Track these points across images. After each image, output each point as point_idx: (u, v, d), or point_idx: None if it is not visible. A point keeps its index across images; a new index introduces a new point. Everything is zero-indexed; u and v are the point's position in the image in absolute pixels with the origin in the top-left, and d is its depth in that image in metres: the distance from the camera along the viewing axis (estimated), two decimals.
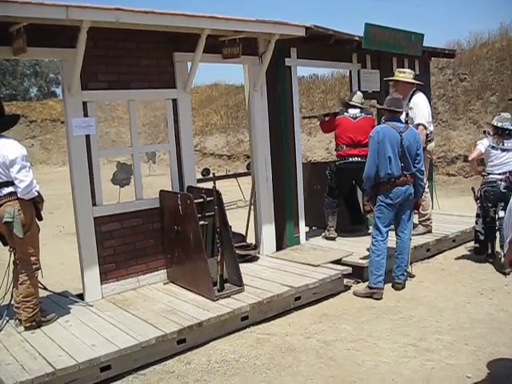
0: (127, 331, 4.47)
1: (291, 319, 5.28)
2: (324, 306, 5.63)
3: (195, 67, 5.67)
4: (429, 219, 7.54)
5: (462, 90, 14.91)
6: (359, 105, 7.25)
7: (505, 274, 6.35)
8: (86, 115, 5.16)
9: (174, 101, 5.78)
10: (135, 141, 5.62)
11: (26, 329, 4.60)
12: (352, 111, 7.23)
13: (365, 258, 6.33)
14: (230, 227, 5.44)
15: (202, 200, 5.41)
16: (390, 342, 4.67)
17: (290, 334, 4.91)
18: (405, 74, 7.24)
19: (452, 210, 9.46)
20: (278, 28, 5.86)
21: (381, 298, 5.69)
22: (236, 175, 13.64)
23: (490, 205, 6.58)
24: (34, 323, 4.63)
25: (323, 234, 7.55)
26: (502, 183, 6.49)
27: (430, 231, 7.52)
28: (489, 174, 6.65)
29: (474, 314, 5.21)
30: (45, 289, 5.15)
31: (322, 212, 7.57)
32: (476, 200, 6.82)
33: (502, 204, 6.35)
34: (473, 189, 7.12)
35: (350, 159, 7.09)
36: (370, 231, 7.65)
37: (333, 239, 7.36)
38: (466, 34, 23.76)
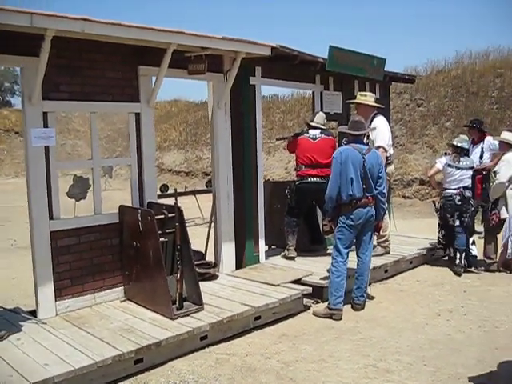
0: (82, 350, 4.31)
1: (251, 339, 5.21)
2: (284, 325, 5.59)
3: (160, 82, 5.60)
4: (387, 240, 7.63)
5: (419, 115, 15.29)
6: (320, 126, 7.31)
7: (459, 274, 7.37)
8: (45, 126, 5.02)
9: (137, 115, 5.69)
10: (96, 154, 5.50)
11: None
12: (312, 132, 7.28)
13: (324, 278, 6.33)
14: (190, 245, 5.35)
15: (163, 216, 5.31)
16: (350, 362, 4.66)
17: (250, 354, 4.84)
18: (366, 97, 7.36)
19: (408, 231, 9.63)
20: (245, 46, 5.86)
21: (340, 319, 5.69)
22: (196, 192, 13.51)
23: (448, 215, 7.52)
24: None
25: (282, 254, 7.53)
26: (457, 197, 7.43)
27: (388, 252, 7.61)
28: (446, 189, 7.57)
29: (432, 334, 5.26)
30: None
31: (281, 231, 7.56)
32: (436, 212, 7.84)
33: (458, 213, 7.43)
34: (433, 202, 8.29)
35: (309, 179, 7.12)
36: (329, 251, 7.69)
37: (292, 259, 7.34)
38: (424, 61, 24.41)
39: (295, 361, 4.70)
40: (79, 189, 11.41)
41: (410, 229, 10.13)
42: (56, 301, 5.19)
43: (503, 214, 7.10)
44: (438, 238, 7.85)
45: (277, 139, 11.41)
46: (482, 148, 8.97)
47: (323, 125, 7.35)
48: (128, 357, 4.30)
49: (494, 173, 7.35)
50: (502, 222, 7.06)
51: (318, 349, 4.96)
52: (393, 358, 4.75)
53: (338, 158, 5.68)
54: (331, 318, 5.70)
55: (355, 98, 7.52)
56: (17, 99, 41.67)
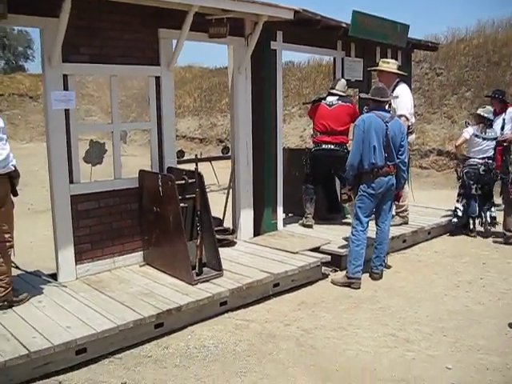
0: (103, 313, 4.33)
1: (270, 306, 5.21)
2: (302, 293, 5.58)
3: (181, 45, 5.50)
4: (406, 210, 7.56)
5: (438, 85, 14.99)
6: (339, 92, 7.19)
7: (474, 236, 7.75)
8: (65, 89, 4.96)
9: (157, 78, 5.60)
10: (115, 118, 5.44)
11: None
12: (329, 98, 7.17)
13: (343, 246, 6.30)
14: (210, 211, 5.33)
15: (183, 182, 5.27)
16: (369, 331, 4.65)
17: (270, 320, 4.85)
18: (389, 65, 7.19)
19: (426, 202, 9.51)
20: (267, 9, 5.73)
21: (359, 288, 5.67)
22: (213, 158, 13.40)
23: (471, 182, 7.62)
24: (5, 303, 4.44)
25: (300, 221, 7.49)
26: (482, 167, 7.55)
27: (406, 222, 7.54)
28: (470, 157, 7.65)
29: (451, 305, 5.23)
30: (17, 268, 4.97)
31: (298, 199, 7.51)
32: (458, 179, 7.94)
33: (479, 186, 7.62)
34: (456, 170, 8.30)
35: (323, 146, 7.05)
36: (346, 220, 7.67)
37: (310, 227, 7.30)
38: (444, 29, 23.93)
39: (314, 328, 4.70)
40: (95, 153, 11.46)
41: (428, 199, 10.01)
42: (76, 264, 5.21)
43: None
44: (456, 208, 7.83)
45: (303, 103, 11.27)
46: (504, 119, 8.78)
47: (343, 92, 7.22)
48: (149, 321, 4.32)
49: None
50: None
51: (336, 317, 4.95)
52: (412, 327, 4.73)
53: (360, 125, 5.58)
54: (349, 286, 5.68)
55: (377, 65, 7.36)
56: (30, 64, 41.61)
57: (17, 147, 23.27)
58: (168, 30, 5.54)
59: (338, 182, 7.74)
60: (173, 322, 4.53)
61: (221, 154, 13.58)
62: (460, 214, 7.76)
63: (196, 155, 5.92)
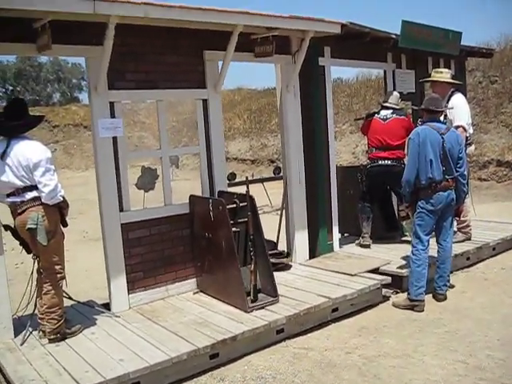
0: (157, 345, 4.20)
1: (329, 332, 4.97)
2: (363, 317, 5.31)
3: (226, 66, 5.41)
4: (468, 226, 7.18)
5: (493, 93, 14.45)
6: (393, 105, 6.94)
7: None
8: (112, 116, 4.92)
9: (205, 101, 5.52)
10: (164, 143, 5.36)
11: (50, 341, 4.35)
12: (383, 112, 6.93)
13: (403, 266, 6.00)
14: (263, 234, 5.15)
15: (234, 205, 5.13)
16: (437, 358, 4.34)
17: (329, 348, 4.60)
18: (442, 74, 6.90)
19: (488, 216, 9.04)
20: (313, 25, 5.58)
21: (422, 311, 5.35)
22: (265, 180, 13.24)
23: None
24: (58, 335, 4.38)
25: (357, 242, 7.22)
26: None
27: (469, 238, 7.15)
28: None
29: None
30: (70, 298, 4.92)
31: (354, 218, 7.26)
32: None
33: None
34: None
35: (380, 162, 6.80)
36: (404, 238, 7.34)
37: (367, 247, 7.03)
38: (496, 35, 23.19)
39: (377, 356, 4.42)
40: (148, 180, 11.57)
41: (489, 213, 9.54)
42: (129, 294, 5.13)
43: None
44: None
45: (355, 120, 11.06)
46: None
47: (397, 105, 6.96)
48: (203, 352, 4.15)
49: None
50: None
51: (400, 343, 4.66)
52: (483, 353, 4.39)
53: (415, 138, 5.31)
54: (412, 309, 5.37)
55: (430, 75, 7.08)
56: (84, 95, 42.97)
57: (73, 176, 23.90)
58: (213, 52, 5.46)
59: (395, 198, 7.48)
60: (228, 352, 4.35)
61: (272, 175, 13.42)
62: None
63: (247, 177, 5.77)
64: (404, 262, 6.13)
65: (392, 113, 6.88)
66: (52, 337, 4.36)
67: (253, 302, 4.94)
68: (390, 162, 6.71)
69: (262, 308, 4.89)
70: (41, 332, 4.45)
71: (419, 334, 4.85)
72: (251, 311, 4.82)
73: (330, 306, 5.08)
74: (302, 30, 5.68)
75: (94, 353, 4.11)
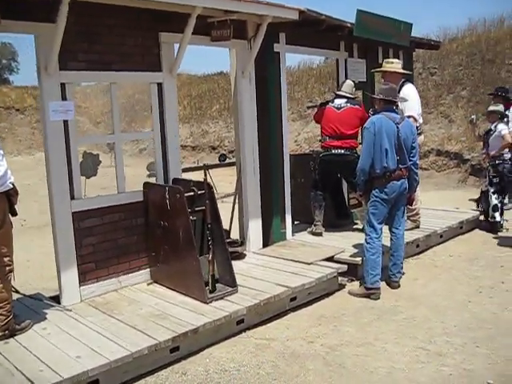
0: (115, 340, 4.01)
1: (288, 322, 4.92)
2: (320, 306, 5.29)
3: (183, 49, 5.21)
4: (417, 214, 7.30)
5: (433, 84, 14.81)
6: (347, 94, 6.93)
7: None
8: (64, 98, 4.64)
9: (160, 85, 5.30)
10: (117, 128, 5.12)
11: None
12: (337, 101, 6.89)
13: (357, 255, 6.02)
14: (222, 223, 5.03)
15: (192, 193, 4.97)
16: (398, 345, 4.37)
17: (291, 338, 4.54)
18: (393, 64, 6.96)
19: (430, 204, 9.21)
20: (273, 10, 5.46)
21: (378, 298, 5.40)
22: (214, 166, 12.81)
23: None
24: (6, 332, 4.10)
25: (309, 229, 7.20)
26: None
27: (417, 226, 7.28)
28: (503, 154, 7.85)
29: (478, 313, 4.97)
30: (16, 292, 4.59)
31: (305, 206, 7.24)
32: (494, 177, 7.94)
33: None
34: (486, 168, 8.49)
35: (333, 151, 6.77)
36: (355, 226, 7.40)
37: (319, 234, 7.02)
38: (435, 29, 23.86)
39: (340, 344, 4.41)
40: (90, 165, 11.12)
41: (433, 201, 9.72)
42: (80, 286, 4.88)
43: None
44: (496, 205, 7.86)
45: (307, 107, 11.01)
46: (507, 117, 8.63)
47: (351, 93, 6.95)
48: (164, 346, 4.00)
49: None
50: None
51: (360, 331, 4.67)
52: (442, 339, 4.45)
53: (371, 128, 5.30)
54: (369, 297, 5.40)
55: (380, 65, 7.13)
56: (14, 76, 41.19)
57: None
58: (169, 34, 5.25)
59: (345, 186, 7.52)
60: (189, 345, 4.21)
61: (218, 162, 13.20)
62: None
63: (205, 164, 5.61)
64: (357, 250, 6.16)
65: (346, 102, 6.85)
66: (0, 334, 4.07)
67: (211, 292, 4.82)
68: (343, 151, 6.70)
69: (221, 299, 4.78)
70: None
71: (378, 321, 4.87)
72: (210, 302, 4.69)
73: (289, 295, 5.03)
74: (260, 15, 5.55)
75: (47, 350, 3.87)
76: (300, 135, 17.11)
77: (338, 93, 6.97)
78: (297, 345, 4.41)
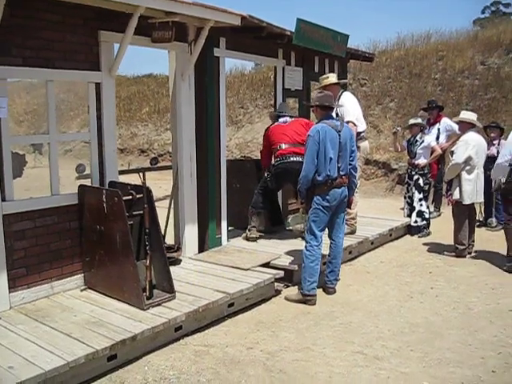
0: (49, 348, 3.82)
1: (227, 328, 4.88)
2: (258, 312, 5.29)
3: (123, 49, 5.08)
4: (353, 218, 7.45)
5: (363, 95, 15.20)
6: (289, 114, 7.09)
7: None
8: None
9: (98, 85, 5.14)
10: (52, 128, 4.92)
11: None
12: (282, 119, 7.00)
13: (293, 260, 6.08)
14: (160, 228, 4.93)
15: (130, 197, 4.84)
16: (336, 350, 4.43)
17: (230, 344, 4.51)
18: (329, 79, 7.13)
19: (360, 211, 9.40)
20: (215, 14, 5.43)
21: (314, 304, 5.46)
22: (146, 169, 12.58)
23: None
24: None
25: (243, 235, 7.19)
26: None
27: (354, 231, 7.43)
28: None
29: (410, 318, 5.13)
30: None
31: (240, 212, 7.24)
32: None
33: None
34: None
35: (291, 158, 6.73)
36: (287, 232, 7.48)
37: (254, 240, 7.04)
38: (365, 41, 24.58)
39: (279, 350, 4.41)
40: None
41: (362, 209, 9.93)
42: (10, 292, 4.63)
43: (455, 195, 7.08)
44: (423, 212, 8.42)
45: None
46: (439, 129, 9.04)
47: (291, 115, 7.12)
48: (102, 354, 3.86)
49: (451, 153, 7.30)
50: (456, 203, 7.10)
51: (299, 336, 4.70)
52: (378, 343, 4.56)
53: (315, 136, 5.33)
54: (305, 303, 5.45)
55: (315, 73, 7.35)
56: None
57: None
58: (109, 33, 5.11)
59: (279, 192, 7.59)
60: (127, 353, 4.09)
61: (148, 165, 13.03)
62: (427, 216, 8.45)
63: (143, 168, 5.48)
64: (293, 256, 6.23)
65: (291, 117, 7.00)
66: None
67: (148, 299, 4.71)
68: (300, 158, 6.72)
69: (159, 305, 4.68)
70: None
71: (315, 327, 4.93)
72: (148, 309, 4.58)
73: (228, 301, 5.00)
74: (203, 19, 5.50)
75: None
76: (231, 141, 17.10)
77: (281, 114, 7.02)
78: (236, 351, 4.38)
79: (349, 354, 4.36)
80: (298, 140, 6.74)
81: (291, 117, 7.04)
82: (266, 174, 7.04)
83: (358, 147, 6.69)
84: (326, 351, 4.41)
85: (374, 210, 10.32)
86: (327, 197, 5.40)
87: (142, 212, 4.84)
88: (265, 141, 7.14)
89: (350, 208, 6.48)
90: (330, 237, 5.76)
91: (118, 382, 3.87)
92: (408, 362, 4.20)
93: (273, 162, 7.01)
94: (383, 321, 5.06)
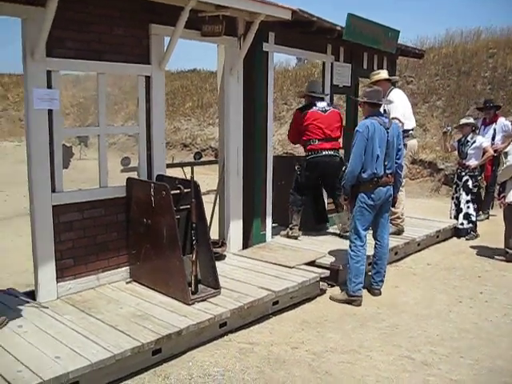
0: (96, 340, 3.84)
1: (271, 326, 4.82)
2: (302, 311, 5.22)
3: (174, 43, 5.05)
4: (399, 218, 7.27)
5: (409, 93, 14.83)
6: (323, 96, 6.95)
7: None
8: (49, 86, 4.45)
9: (148, 78, 5.13)
10: (102, 120, 4.94)
11: None
12: (320, 104, 6.82)
13: (339, 260, 5.97)
14: (207, 223, 4.91)
15: (178, 191, 4.82)
16: (383, 353, 4.32)
17: (275, 343, 4.45)
18: (380, 74, 6.99)
19: (405, 212, 9.28)
20: (266, 8, 5.35)
21: (360, 305, 5.35)
22: (196, 163, 12.43)
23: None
24: None
25: (283, 233, 7.11)
26: None
27: (401, 231, 7.26)
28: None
29: (460, 323, 4.98)
30: None
31: (283, 208, 7.15)
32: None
33: None
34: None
35: (323, 153, 6.68)
36: (330, 230, 7.35)
37: (295, 238, 6.94)
38: (413, 38, 24.13)
39: (325, 351, 4.33)
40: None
41: (407, 209, 9.74)
42: (57, 282, 4.68)
43: (509, 197, 6.83)
44: (470, 214, 8.18)
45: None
46: (495, 129, 8.78)
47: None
48: (147, 348, 3.85)
49: (505, 154, 7.05)
50: (508, 206, 6.85)
51: (344, 337, 4.61)
52: (426, 348, 4.43)
53: (364, 132, 5.19)
54: (350, 303, 5.35)
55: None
56: None
57: None
58: (160, 26, 5.09)
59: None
60: (171, 348, 4.08)
61: (192, 160, 13.01)
62: (474, 218, 8.22)
63: (194, 159, 5.48)
64: (337, 255, 6.12)
65: (328, 104, 6.86)
66: None
67: (193, 293, 4.68)
68: (332, 153, 6.67)
69: (204, 300, 4.65)
70: None
71: (361, 328, 4.82)
72: (193, 303, 4.56)
73: (273, 299, 4.93)
74: (253, 13, 5.43)
75: (25, 349, 3.68)
76: (274, 137, 16.94)
77: (315, 95, 6.87)
78: (281, 350, 4.32)
79: (396, 358, 4.25)
80: (332, 135, 6.69)
81: (329, 103, 6.93)
82: (296, 168, 6.94)
83: (405, 145, 6.50)
84: (373, 354, 4.30)
85: (420, 210, 10.08)
86: (372, 195, 5.27)
87: (189, 206, 4.82)
88: (296, 123, 6.93)
89: (395, 207, 6.33)
90: (374, 237, 5.63)
91: (162, 376, 3.85)
92: (458, 369, 4.07)
93: (305, 154, 6.92)
94: (431, 325, 4.93)
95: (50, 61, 4.39)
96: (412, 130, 7.18)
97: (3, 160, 18.27)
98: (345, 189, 5.44)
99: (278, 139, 17.15)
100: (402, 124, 6.76)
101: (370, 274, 5.72)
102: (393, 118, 6.38)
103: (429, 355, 4.31)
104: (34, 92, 4.32)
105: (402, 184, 6.14)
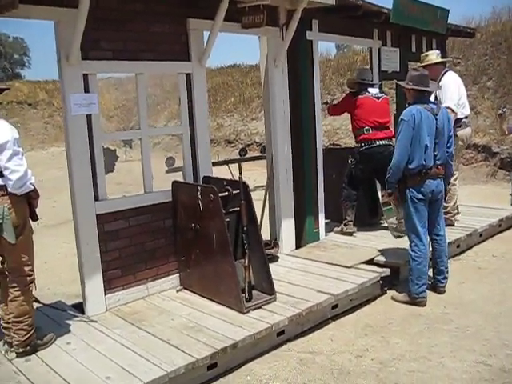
0: (147, 356, 3.62)
1: (331, 332, 4.52)
2: (363, 314, 4.89)
3: (214, 37, 4.80)
4: (450, 212, 6.79)
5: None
6: (374, 82, 6.60)
7: None
8: (86, 91, 4.26)
9: (188, 75, 4.90)
10: (143, 123, 4.72)
11: (19, 355, 3.71)
12: (373, 91, 6.46)
13: (398, 257, 5.60)
14: (258, 225, 4.63)
15: (227, 193, 4.57)
16: (456, 359, 3.96)
17: (337, 351, 4.14)
18: (429, 57, 6.56)
19: (460, 200, 8.73)
20: None
21: (425, 305, 4.98)
22: (248, 159, 11.95)
23: None
24: (28, 348, 3.74)
25: (337, 229, 6.77)
26: None
27: (451, 225, 6.79)
28: None
29: None
30: (37, 301, 4.24)
31: (335, 204, 6.81)
32: None
33: None
34: None
35: (378, 143, 6.31)
36: (384, 224, 6.97)
37: (350, 234, 6.61)
38: (458, 18, 23.27)
39: (392, 359, 4.00)
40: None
41: (463, 196, 9.20)
42: (105, 294, 4.51)
43: None
44: None
45: (325, 104, 10.27)
46: None
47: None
48: (202, 363, 3.61)
49: None
50: None
51: (412, 343, 4.26)
52: (502, 352, 4.04)
53: (410, 120, 4.76)
54: (414, 304, 4.98)
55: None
56: (27, 71, 41.12)
57: None
58: (198, 20, 4.84)
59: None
60: (227, 361, 3.83)
61: (237, 156, 12.74)
62: None
63: (239, 156, 5.21)
64: (397, 252, 5.75)
65: (380, 91, 6.51)
66: (21, 350, 3.71)
67: (248, 301, 4.42)
68: (386, 142, 6.32)
69: (259, 308, 4.39)
70: (6, 345, 3.79)
71: (429, 331, 4.46)
72: (247, 312, 4.30)
73: (332, 303, 4.63)
74: (295, 0, 5.12)
75: (73, 369, 3.50)
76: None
77: (367, 82, 6.50)
78: (345, 359, 4.01)
79: (471, 364, 3.88)
80: (383, 123, 6.35)
81: (380, 90, 6.60)
82: (349, 161, 6.58)
83: (456, 136, 6.02)
84: (445, 361, 3.94)
85: (476, 197, 9.56)
86: (422, 189, 4.86)
87: (238, 208, 4.56)
88: (345, 105, 6.65)
89: (446, 201, 5.89)
90: (430, 235, 5.19)
91: None
92: None
93: (357, 145, 6.56)
94: (504, 325, 4.51)
95: (86, 64, 4.20)
96: (466, 118, 6.68)
97: (50, 166, 18.45)
98: (389, 183, 5.04)
99: (323, 130, 16.72)
100: (455, 114, 6.30)
101: (432, 271, 5.33)
102: (445, 108, 5.95)
103: (506, 360, 3.92)
104: (71, 98, 4.13)
105: (455, 176, 5.67)
